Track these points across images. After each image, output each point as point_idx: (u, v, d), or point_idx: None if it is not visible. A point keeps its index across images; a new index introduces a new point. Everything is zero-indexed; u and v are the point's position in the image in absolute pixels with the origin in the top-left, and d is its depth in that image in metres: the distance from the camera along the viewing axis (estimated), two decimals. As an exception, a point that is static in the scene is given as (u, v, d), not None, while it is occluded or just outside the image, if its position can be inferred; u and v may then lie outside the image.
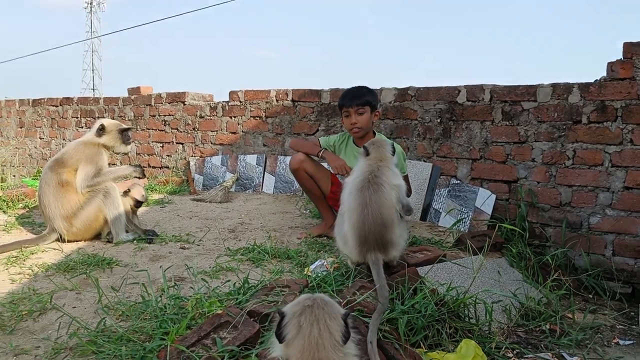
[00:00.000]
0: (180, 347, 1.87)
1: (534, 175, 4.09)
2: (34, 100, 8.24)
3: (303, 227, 4.11)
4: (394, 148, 2.97)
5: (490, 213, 4.15)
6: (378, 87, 4.93)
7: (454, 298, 2.48)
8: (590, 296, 3.58)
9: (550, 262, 3.38)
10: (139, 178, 3.98)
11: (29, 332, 2.20)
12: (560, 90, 3.97)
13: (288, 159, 5.36)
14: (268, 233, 3.91)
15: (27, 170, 8.26)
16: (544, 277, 3.31)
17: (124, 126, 3.88)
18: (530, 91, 4.10)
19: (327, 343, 1.31)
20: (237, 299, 2.34)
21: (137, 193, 3.88)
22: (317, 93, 5.36)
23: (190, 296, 2.35)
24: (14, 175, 8.17)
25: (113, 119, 7.04)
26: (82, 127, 7.50)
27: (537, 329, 2.78)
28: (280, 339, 1.34)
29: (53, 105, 7.94)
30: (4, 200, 4.64)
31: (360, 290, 2.37)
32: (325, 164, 4.12)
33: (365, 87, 3.80)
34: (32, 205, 4.63)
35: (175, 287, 2.62)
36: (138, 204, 3.90)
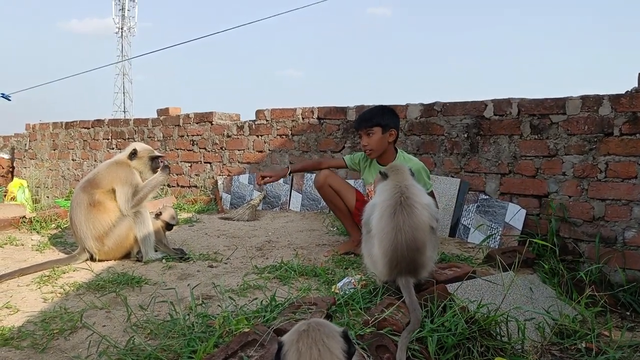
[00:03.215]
0: (207, 366, 1.87)
1: (565, 189, 4.01)
2: (66, 123, 8.46)
3: (330, 245, 4.10)
4: (412, 172, 2.92)
5: (520, 228, 4.07)
6: (404, 103, 4.93)
7: (485, 315, 2.42)
8: (628, 313, 3.47)
9: (585, 278, 3.28)
10: (169, 174, 3.97)
11: (60, 351, 2.22)
12: (590, 102, 3.90)
13: (314, 176, 5.36)
14: (295, 251, 3.91)
15: (60, 191, 8.45)
16: (578, 294, 3.21)
17: (155, 153, 3.94)
18: (559, 104, 4.04)
19: None
20: (264, 317, 2.33)
21: (168, 216, 3.93)
22: (343, 110, 5.38)
23: (218, 314, 2.35)
24: (48, 196, 8.37)
25: (142, 139, 7.18)
26: (113, 149, 7.66)
27: (573, 347, 2.69)
28: None
29: (85, 128, 8.14)
30: (38, 221, 4.74)
31: (388, 308, 2.34)
32: (351, 181, 4.13)
33: (378, 108, 3.80)
34: (64, 226, 4.71)
35: (203, 305, 2.63)
36: (169, 226, 3.95)
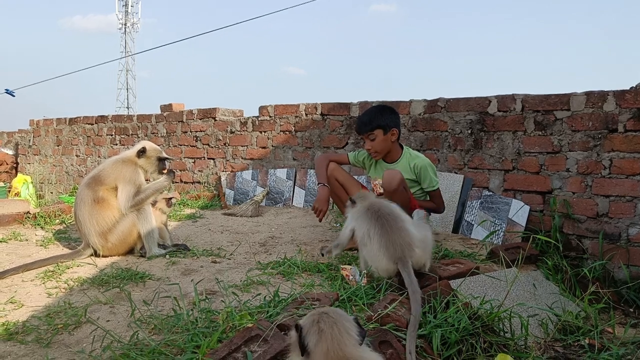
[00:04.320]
0: (211, 361, 1.87)
1: (569, 186, 4.00)
2: (70, 119, 8.47)
3: (333, 241, 4.09)
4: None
5: (524, 225, 4.07)
6: (407, 99, 4.92)
7: (488, 311, 2.42)
8: (631, 310, 3.46)
9: (588, 274, 3.28)
10: (173, 180, 3.98)
11: (65, 345, 2.23)
12: (595, 98, 3.89)
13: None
14: (298, 247, 3.91)
15: (64, 187, 8.47)
16: (582, 290, 3.21)
17: (164, 155, 3.92)
18: (564, 100, 4.02)
19: (348, 341, 1.38)
20: (267, 312, 2.34)
21: (164, 194, 4.02)
22: (346, 106, 5.37)
23: (221, 310, 2.36)
24: (52, 192, 8.40)
25: (146, 135, 7.19)
26: (116, 145, 7.67)
27: (576, 343, 2.69)
28: (304, 349, 1.39)
29: (89, 124, 8.15)
30: (42, 216, 4.76)
31: (391, 304, 2.34)
32: (355, 176, 4.13)
33: (376, 109, 3.77)
34: (69, 221, 4.73)
35: (207, 300, 2.63)
36: (169, 201, 4.02)
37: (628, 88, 3.78)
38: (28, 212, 4.81)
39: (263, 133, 6.05)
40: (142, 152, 3.78)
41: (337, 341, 1.37)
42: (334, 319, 1.42)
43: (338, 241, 3.16)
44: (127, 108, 51.03)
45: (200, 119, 6.65)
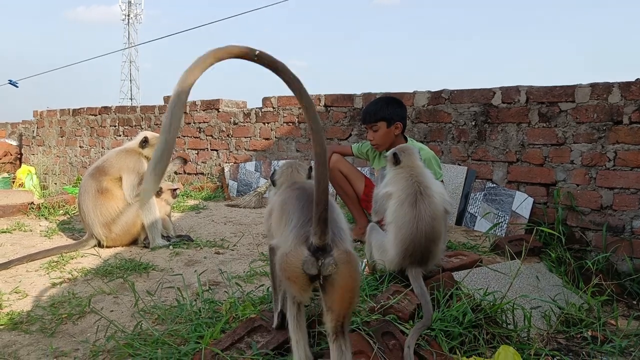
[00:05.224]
0: (214, 351, 1.88)
1: (573, 178, 3.99)
2: (74, 110, 8.48)
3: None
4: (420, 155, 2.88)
5: (527, 217, 4.06)
6: (411, 91, 4.90)
7: (491, 303, 2.42)
8: (635, 302, 3.46)
9: (592, 267, 3.27)
10: (184, 164, 3.97)
11: (69, 335, 2.24)
12: (600, 90, 3.86)
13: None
14: (301, 238, 3.90)
15: (68, 178, 8.49)
16: (585, 283, 3.21)
17: None
18: (568, 92, 4.00)
19: (297, 176, 2.14)
20: (270, 303, 2.34)
21: (169, 185, 4.05)
22: (350, 98, 5.36)
23: (225, 300, 2.36)
24: (55, 183, 8.42)
25: (149, 126, 7.18)
26: (120, 136, 7.68)
27: (579, 335, 2.69)
28: (275, 183, 2.17)
29: (92, 115, 8.15)
30: (46, 207, 4.77)
31: (394, 295, 2.34)
32: (359, 168, 4.12)
33: (384, 100, 3.75)
34: (73, 212, 4.74)
35: (210, 291, 2.64)
36: (174, 192, 4.06)
37: (633, 80, 3.76)
38: (32, 203, 4.82)
39: (266, 124, 6.05)
40: (144, 142, 3.80)
41: (291, 175, 2.15)
42: (291, 163, 2.22)
43: (377, 207, 2.78)
44: (131, 99, 51.13)
45: (203, 110, 6.65)
